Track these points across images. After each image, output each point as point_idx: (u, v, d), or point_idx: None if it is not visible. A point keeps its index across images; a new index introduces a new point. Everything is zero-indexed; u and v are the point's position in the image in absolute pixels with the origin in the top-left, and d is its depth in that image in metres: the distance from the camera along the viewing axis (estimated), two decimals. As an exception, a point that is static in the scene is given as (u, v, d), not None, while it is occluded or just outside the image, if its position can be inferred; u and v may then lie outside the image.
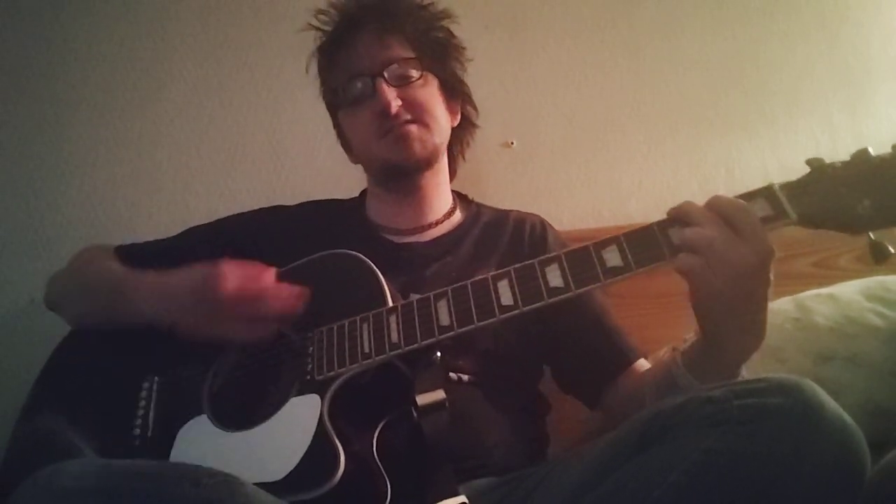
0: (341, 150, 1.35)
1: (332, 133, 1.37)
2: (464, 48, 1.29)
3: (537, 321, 1.07)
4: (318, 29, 1.26)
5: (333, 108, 1.29)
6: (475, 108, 1.34)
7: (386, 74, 1.16)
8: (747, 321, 0.85)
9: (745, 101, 1.68)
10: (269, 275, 1.00)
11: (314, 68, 1.30)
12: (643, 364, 1.15)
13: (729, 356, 0.88)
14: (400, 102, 1.16)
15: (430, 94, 1.21)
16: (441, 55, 1.25)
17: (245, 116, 1.68)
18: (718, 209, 0.82)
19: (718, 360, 0.88)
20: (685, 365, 0.92)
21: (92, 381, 1.08)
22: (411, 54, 1.20)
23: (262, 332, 1.00)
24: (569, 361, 1.19)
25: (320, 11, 1.26)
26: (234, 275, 0.98)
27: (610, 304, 1.22)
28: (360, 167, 1.33)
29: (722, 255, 0.79)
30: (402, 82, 1.18)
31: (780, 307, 1.31)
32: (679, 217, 0.84)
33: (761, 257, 0.80)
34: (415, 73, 1.19)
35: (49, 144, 1.64)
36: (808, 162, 0.84)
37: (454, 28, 1.27)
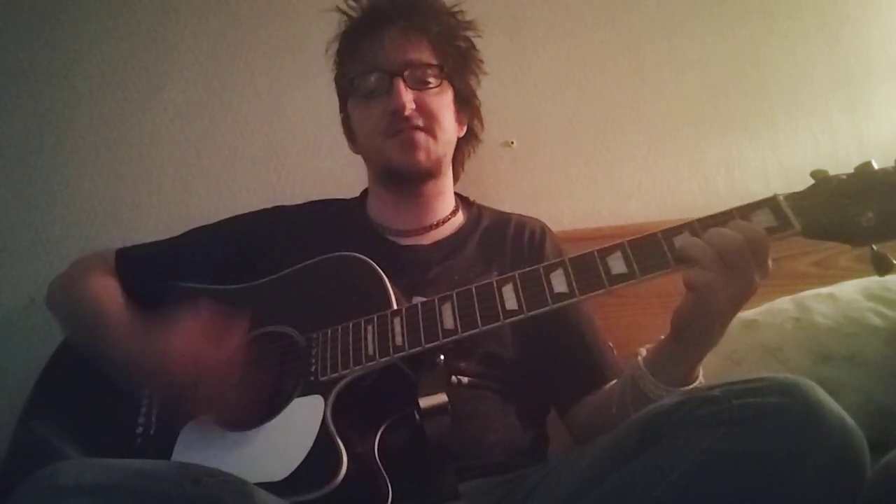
0: (341, 149, 1.35)
1: (332, 133, 1.36)
2: (482, 61, 1.29)
3: (534, 328, 1.08)
4: (344, 13, 1.25)
5: (344, 95, 1.28)
6: (482, 122, 1.34)
7: (405, 75, 1.16)
8: (721, 331, 0.89)
9: (745, 101, 1.68)
10: (224, 353, 0.95)
11: (326, 54, 1.29)
12: None
13: (694, 358, 0.92)
14: (414, 106, 1.16)
15: (444, 104, 1.21)
16: (461, 66, 1.25)
17: (245, 116, 1.67)
18: (721, 250, 0.83)
19: (683, 362, 0.92)
20: (647, 367, 0.94)
21: (95, 378, 1.08)
22: (434, 61, 1.19)
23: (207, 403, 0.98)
24: (548, 370, 1.18)
25: None
26: (187, 356, 0.94)
27: (603, 312, 1.23)
28: (359, 167, 1.32)
29: (731, 279, 0.82)
30: (420, 86, 1.18)
31: (780, 307, 1.31)
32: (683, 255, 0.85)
33: (763, 277, 0.83)
34: (433, 81, 1.19)
35: (49, 144, 1.64)
36: (813, 174, 0.85)
37: (477, 42, 1.27)
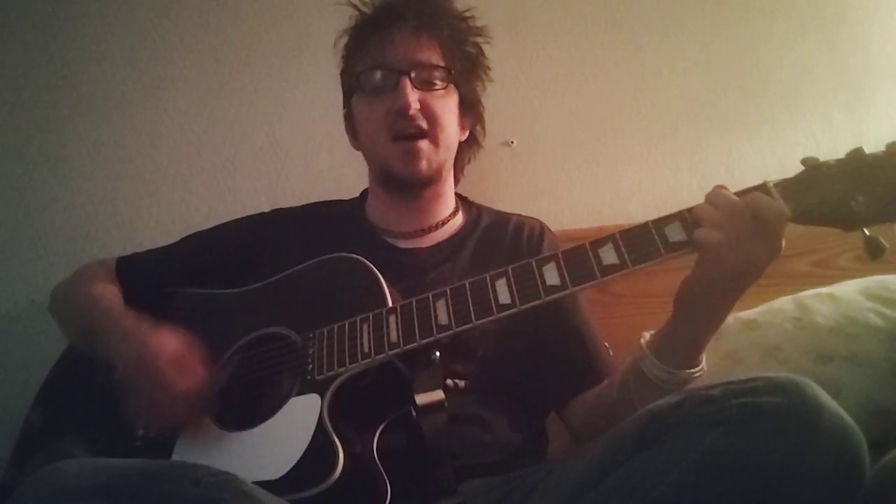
0: (341, 149, 1.35)
1: (332, 132, 1.36)
2: (489, 68, 1.29)
3: (528, 326, 1.07)
4: (356, 7, 1.25)
5: (349, 91, 1.28)
6: (484, 128, 1.34)
7: (413, 74, 1.16)
8: (725, 310, 0.89)
9: (745, 101, 1.68)
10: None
11: (334, 47, 1.29)
12: None
13: (697, 340, 0.92)
14: (418, 106, 1.15)
15: (448, 107, 1.21)
16: (469, 71, 1.25)
17: (245, 116, 1.67)
18: (754, 207, 0.83)
19: (686, 343, 0.92)
20: (652, 352, 0.94)
21: (96, 381, 1.09)
22: (441, 63, 1.19)
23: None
24: (545, 367, 1.18)
25: None
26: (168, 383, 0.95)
27: (602, 311, 1.23)
28: (359, 167, 1.32)
29: (744, 240, 0.82)
30: (426, 87, 1.17)
31: (780, 307, 1.31)
32: (710, 199, 0.85)
33: (773, 255, 0.83)
34: (440, 83, 1.19)
35: (49, 144, 1.64)
36: (804, 161, 0.86)
37: (486, 48, 1.28)
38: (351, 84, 1.25)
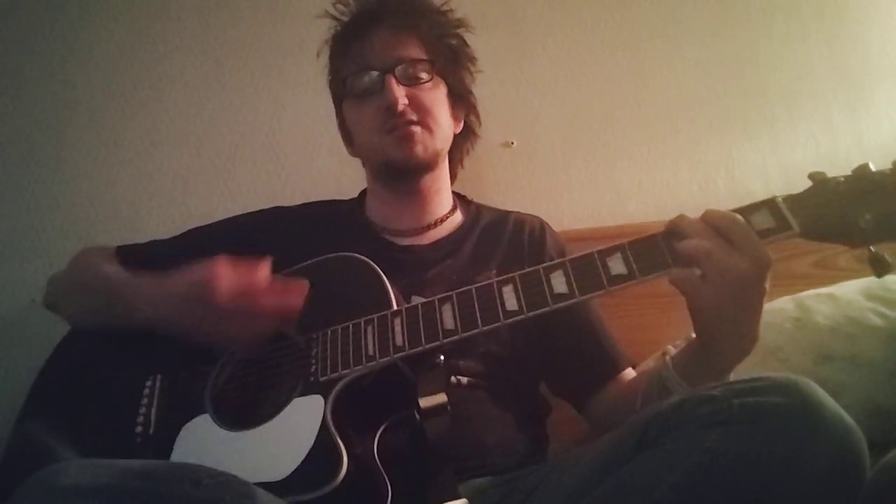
0: (341, 150, 1.35)
1: (332, 133, 1.36)
2: (475, 58, 1.30)
3: (535, 326, 1.07)
4: (335, 18, 1.27)
5: (339, 98, 1.29)
6: (478, 118, 1.35)
7: (396, 72, 1.17)
8: (743, 329, 0.85)
9: (745, 101, 1.69)
10: (264, 271, 0.97)
11: (317, 57, 1.30)
12: (631, 373, 1.17)
13: (721, 361, 0.88)
14: (406, 101, 1.16)
15: (437, 99, 1.21)
16: (452, 62, 1.26)
17: (245, 116, 1.68)
18: (712, 222, 0.83)
19: (710, 365, 0.89)
20: (676, 369, 0.92)
21: (94, 378, 1.08)
22: (424, 56, 1.20)
23: (260, 331, 0.99)
24: (559, 365, 1.19)
25: (339, 1, 1.26)
26: (228, 276, 0.96)
27: (603, 312, 1.23)
28: (359, 167, 1.33)
29: (718, 266, 0.80)
30: (412, 82, 1.18)
31: (780, 307, 1.32)
32: (674, 230, 0.85)
33: (758, 268, 0.81)
34: (425, 76, 1.20)
35: (49, 144, 1.64)
36: (811, 176, 0.85)
37: (468, 38, 1.28)
38: (340, 91, 1.27)
